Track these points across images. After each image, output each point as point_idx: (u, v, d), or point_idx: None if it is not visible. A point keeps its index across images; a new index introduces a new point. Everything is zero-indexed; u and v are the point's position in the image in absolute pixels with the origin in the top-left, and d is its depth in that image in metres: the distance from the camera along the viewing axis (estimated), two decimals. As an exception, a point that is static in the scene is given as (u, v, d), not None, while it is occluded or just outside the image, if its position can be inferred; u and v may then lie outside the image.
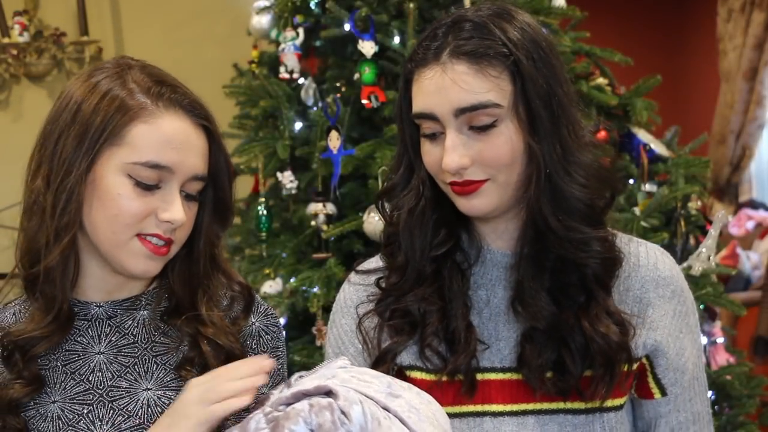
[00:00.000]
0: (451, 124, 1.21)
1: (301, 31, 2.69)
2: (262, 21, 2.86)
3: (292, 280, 2.55)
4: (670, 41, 7.26)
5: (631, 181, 2.67)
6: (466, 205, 1.25)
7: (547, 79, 1.22)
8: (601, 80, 2.69)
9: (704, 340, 2.73)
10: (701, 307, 2.66)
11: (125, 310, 1.27)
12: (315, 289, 2.45)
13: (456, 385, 1.26)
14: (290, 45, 2.67)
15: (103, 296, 1.27)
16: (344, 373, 1.06)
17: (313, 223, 2.56)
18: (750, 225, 5.99)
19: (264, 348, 1.29)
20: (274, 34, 2.84)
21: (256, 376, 1.10)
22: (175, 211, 1.19)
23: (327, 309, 2.25)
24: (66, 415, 1.20)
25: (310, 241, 2.62)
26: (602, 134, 2.55)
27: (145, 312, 1.27)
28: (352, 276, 1.39)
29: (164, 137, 1.18)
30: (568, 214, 1.23)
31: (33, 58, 4.16)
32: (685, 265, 2.56)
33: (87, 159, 1.17)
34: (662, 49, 6.99)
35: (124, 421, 1.20)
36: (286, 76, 2.68)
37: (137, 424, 1.19)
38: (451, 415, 1.22)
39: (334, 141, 2.49)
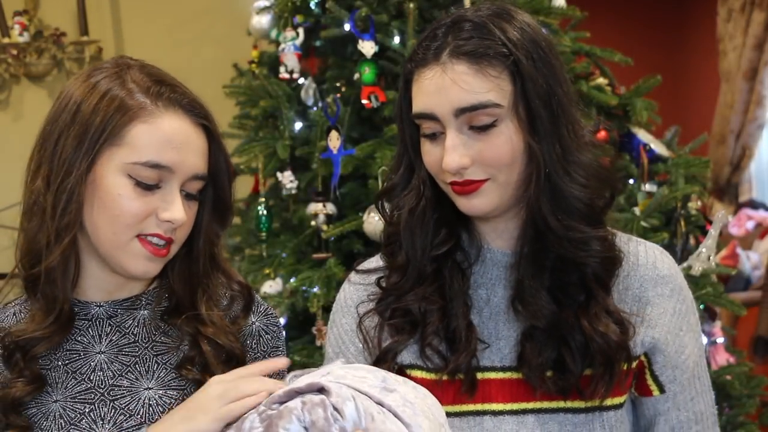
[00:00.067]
0: (451, 124, 1.22)
1: (301, 31, 2.69)
2: (262, 21, 2.86)
3: (292, 280, 2.54)
4: (670, 41, 7.26)
5: (631, 181, 2.67)
6: (467, 204, 1.25)
7: (547, 78, 1.22)
8: (601, 80, 2.69)
9: (704, 340, 2.72)
10: (701, 307, 2.66)
11: (125, 309, 1.27)
12: (315, 289, 2.45)
13: (456, 384, 1.27)
14: (290, 45, 2.67)
15: (103, 296, 1.27)
16: (339, 369, 1.06)
17: (313, 223, 2.56)
18: (750, 225, 6.00)
19: (264, 348, 1.29)
20: (274, 34, 2.84)
21: (275, 381, 1.11)
22: (175, 211, 1.19)
23: (327, 309, 2.25)
24: (68, 414, 1.21)
25: (310, 241, 2.62)
26: (602, 134, 2.54)
27: (145, 311, 1.27)
28: (353, 275, 1.39)
29: (164, 137, 1.18)
30: (567, 214, 1.24)
31: (33, 58, 4.16)
32: (685, 265, 2.56)
33: (87, 159, 1.17)
34: (662, 48, 6.99)
35: (125, 420, 1.20)
36: (286, 76, 2.68)
37: (139, 423, 1.19)
38: (451, 414, 1.22)
39: (334, 141, 2.49)
